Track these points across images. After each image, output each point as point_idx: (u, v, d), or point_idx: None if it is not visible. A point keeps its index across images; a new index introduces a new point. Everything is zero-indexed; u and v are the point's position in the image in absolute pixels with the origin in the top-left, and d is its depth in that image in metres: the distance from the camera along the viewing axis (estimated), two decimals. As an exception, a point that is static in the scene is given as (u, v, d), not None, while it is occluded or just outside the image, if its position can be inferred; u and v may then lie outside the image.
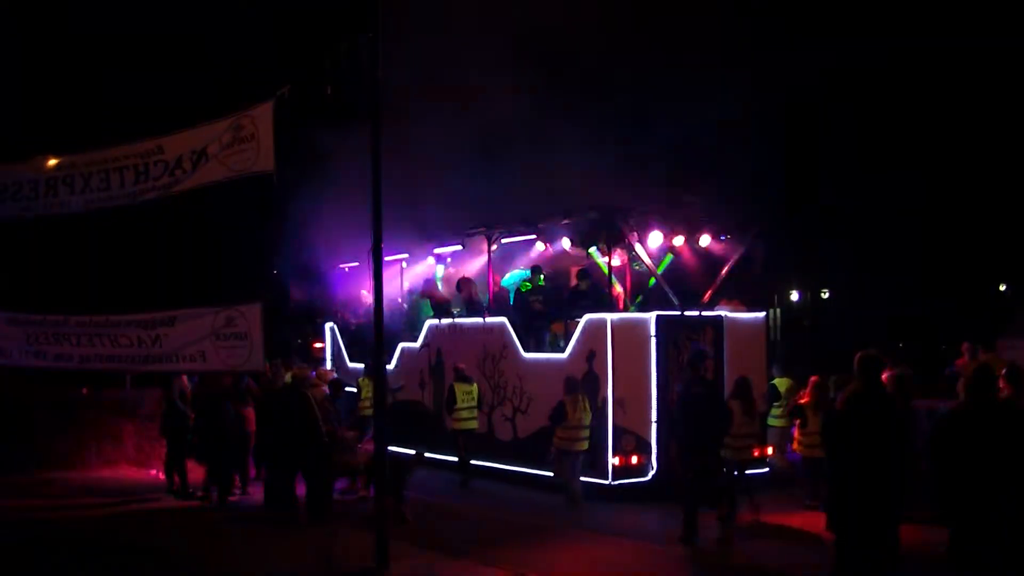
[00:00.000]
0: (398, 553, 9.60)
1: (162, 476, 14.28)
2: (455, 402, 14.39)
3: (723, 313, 13.90)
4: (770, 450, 13.43)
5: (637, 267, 15.61)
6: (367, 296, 18.15)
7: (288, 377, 13.14)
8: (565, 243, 15.01)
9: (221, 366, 12.69)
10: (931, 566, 7.67)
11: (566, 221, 14.41)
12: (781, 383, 13.53)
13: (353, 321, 18.76)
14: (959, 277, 30.23)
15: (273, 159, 12.11)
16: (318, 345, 19.64)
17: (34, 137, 18.53)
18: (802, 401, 12.30)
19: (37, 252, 20.70)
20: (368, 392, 14.93)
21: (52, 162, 13.96)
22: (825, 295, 34.25)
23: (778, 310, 29.13)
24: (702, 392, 10.60)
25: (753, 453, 12.20)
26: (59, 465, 14.94)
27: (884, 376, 7.00)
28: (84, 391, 16.53)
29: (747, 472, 12.03)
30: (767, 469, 12.58)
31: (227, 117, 12.54)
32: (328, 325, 19.20)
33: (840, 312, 32.02)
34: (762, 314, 14.52)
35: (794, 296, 33.20)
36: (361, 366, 16.99)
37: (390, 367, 15.90)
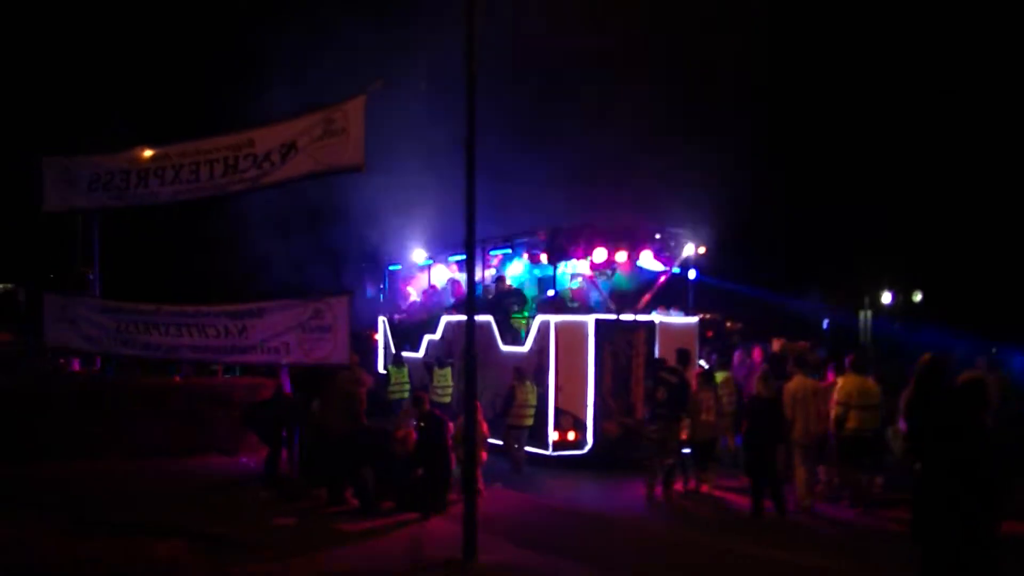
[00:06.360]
0: (486, 545, 9.51)
1: (252, 464, 14.46)
2: (432, 380, 17.31)
3: (655, 318, 15.89)
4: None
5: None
6: (411, 294, 21.50)
7: None
8: (532, 257, 17.53)
9: (304, 358, 12.72)
10: None
11: (525, 239, 17.19)
12: (720, 375, 14.85)
13: (397, 316, 21.07)
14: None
15: (362, 152, 12.17)
16: (377, 337, 21.40)
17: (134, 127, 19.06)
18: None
19: (131, 241, 21.17)
20: (396, 378, 18.31)
21: (147, 153, 14.24)
22: (917, 297, 33.10)
23: (868, 312, 28.41)
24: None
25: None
26: (150, 453, 14.98)
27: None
28: (176, 379, 16.74)
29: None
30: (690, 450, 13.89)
31: (318, 110, 12.61)
32: (380, 318, 21.37)
33: (930, 314, 31.05)
34: (695, 319, 16.67)
35: (886, 298, 32.07)
36: (404, 354, 19.22)
37: (419, 355, 18.95)
